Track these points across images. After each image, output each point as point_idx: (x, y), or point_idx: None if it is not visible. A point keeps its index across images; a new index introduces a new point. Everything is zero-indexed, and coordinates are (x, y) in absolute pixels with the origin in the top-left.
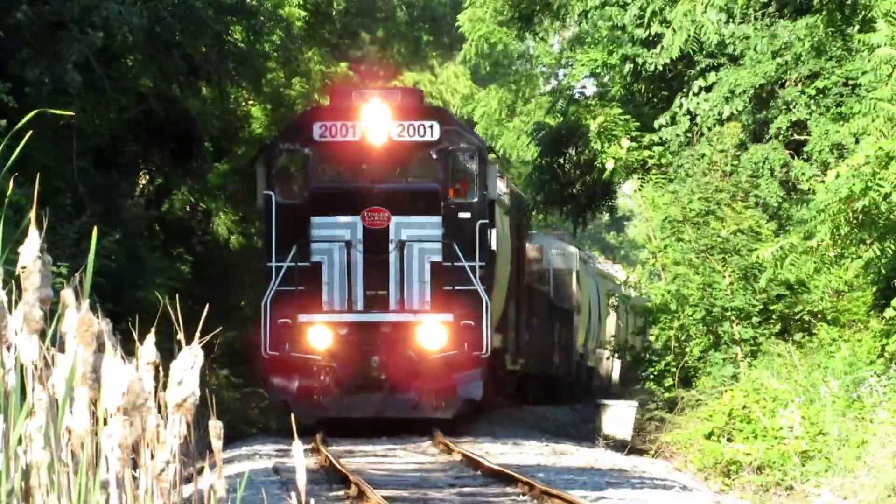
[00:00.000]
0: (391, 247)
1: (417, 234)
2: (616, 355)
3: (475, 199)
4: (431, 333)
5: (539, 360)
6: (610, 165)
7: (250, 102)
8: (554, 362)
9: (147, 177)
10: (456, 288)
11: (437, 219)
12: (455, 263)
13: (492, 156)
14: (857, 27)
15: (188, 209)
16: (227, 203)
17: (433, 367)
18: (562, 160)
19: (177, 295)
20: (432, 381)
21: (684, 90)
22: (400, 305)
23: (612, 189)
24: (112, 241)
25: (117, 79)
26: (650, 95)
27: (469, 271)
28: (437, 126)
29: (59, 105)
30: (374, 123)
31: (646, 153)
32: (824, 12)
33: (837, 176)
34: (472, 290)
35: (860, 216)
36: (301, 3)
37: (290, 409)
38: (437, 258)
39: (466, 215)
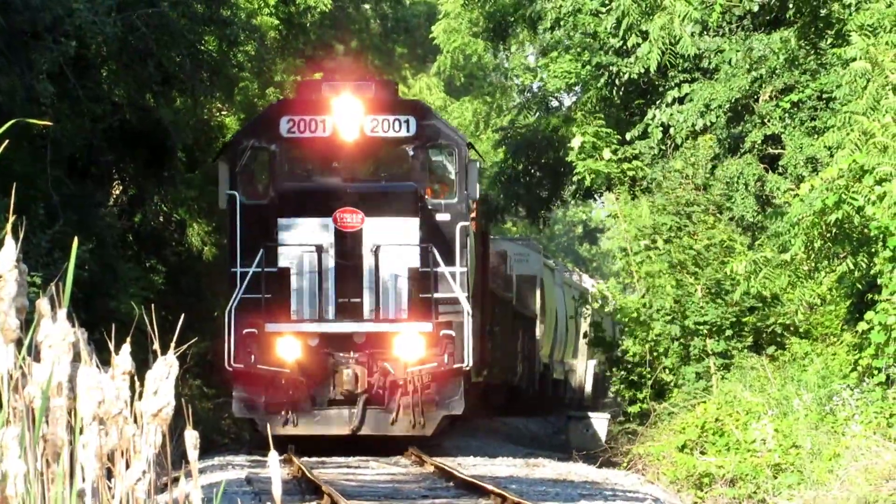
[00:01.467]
0: (365, 251)
1: (393, 238)
2: (589, 359)
3: (455, 200)
4: (409, 344)
5: (501, 370)
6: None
7: (223, 112)
8: (517, 372)
9: (121, 187)
10: (435, 295)
11: (415, 221)
12: (434, 269)
13: (473, 153)
14: (830, 41)
15: (161, 220)
16: (201, 214)
17: (411, 380)
18: (532, 169)
19: (151, 305)
20: (410, 396)
21: (657, 102)
22: (375, 314)
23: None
24: (85, 250)
25: (91, 88)
26: (624, 105)
27: (449, 277)
28: (413, 121)
29: (32, 114)
30: (347, 118)
31: (625, 165)
32: (798, 26)
33: (811, 189)
34: (452, 298)
35: (834, 229)
36: (275, 13)
37: (257, 427)
38: (415, 263)
39: (446, 217)
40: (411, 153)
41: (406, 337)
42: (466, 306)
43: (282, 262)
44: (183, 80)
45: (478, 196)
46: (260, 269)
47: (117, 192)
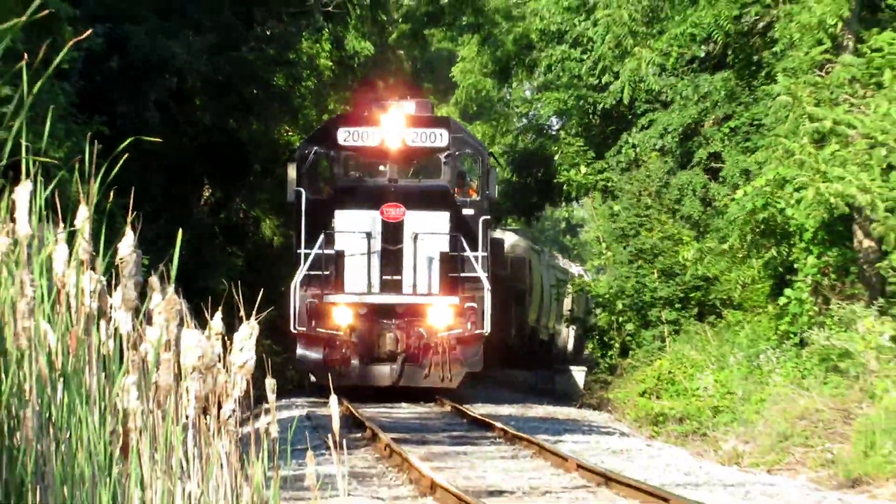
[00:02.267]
0: (406, 238)
1: (428, 227)
2: (570, 326)
3: (478, 198)
4: (440, 314)
5: (498, 331)
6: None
7: (289, 133)
8: (511, 334)
9: (210, 191)
10: (461, 275)
11: (446, 214)
12: (461, 254)
13: (492, 160)
14: (761, 80)
15: (241, 216)
16: (272, 212)
17: (441, 343)
18: (528, 179)
19: (234, 283)
20: (440, 356)
21: (630, 129)
22: (412, 289)
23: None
24: (183, 240)
25: (187, 114)
26: (601, 130)
27: (473, 260)
28: (445, 133)
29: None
30: (391, 130)
31: (600, 176)
32: (736, 68)
33: (745, 194)
34: (475, 277)
35: (762, 226)
36: (329, 56)
37: (315, 379)
38: (446, 248)
39: (470, 212)
40: (443, 160)
41: (437, 308)
42: (486, 284)
43: (338, 246)
44: (258, 108)
45: (496, 195)
46: (320, 251)
47: (207, 194)
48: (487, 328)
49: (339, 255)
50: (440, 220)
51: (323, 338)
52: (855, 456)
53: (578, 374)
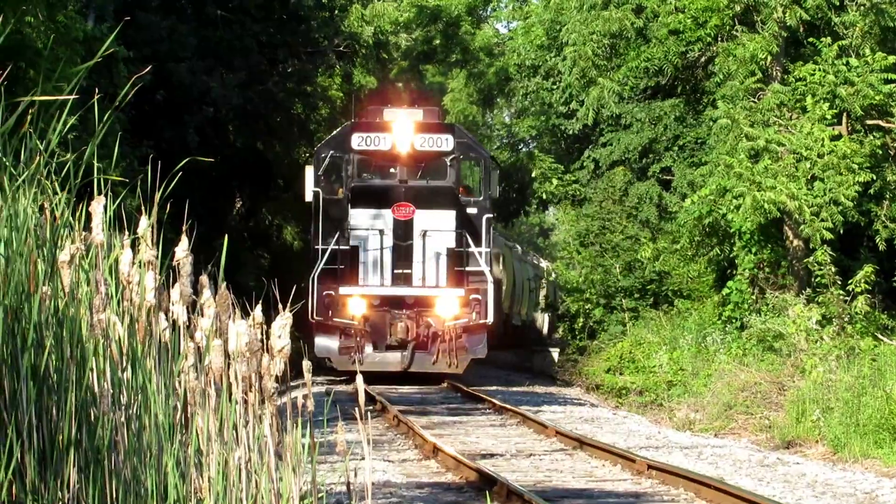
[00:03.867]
0: (415, 235)
1: (436, 225)
2: (545, 312)
3: (481, 198)
4: (447, 304)
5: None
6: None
7: (307, 154)
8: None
9: (240, 202)
10: (466, 269)
11: (452, 212)
12: (466, 249)
13: (494, 164)
14: (705, 105)
15: (267, 223)
16: (292, 219)
17: (448, 331)
18: (507, 190)
19: (263, 280)
20: (447, 343)
21: (591, 146)
22: (422, 282)
23: (534, 203)
24: (219, 243)
25: (222, 138)
26: (568, 148)
27: (477, 255)
28: (451, 139)
29: (183, 155)
30: (402, 135)
31: (569, 188)
32: (683, 96)
33: (692, 202)
34: (479, 271)
35: (707, 229)
36: (340, 88)
37: (331, 365)
38: (452, 244)
39: (474, 210)
40: (449, 163)
41: (445, 299)
42: (490, 277)
43: (352, 242)
44: (280, 133)
45: (497, 195)
46: (336, 247)
47: (238, 205)
48: (491, 318)
49: (354, 251)
50: (447, 219)
51: (339, 327)
52: (788, 422)
53: (552, 353)
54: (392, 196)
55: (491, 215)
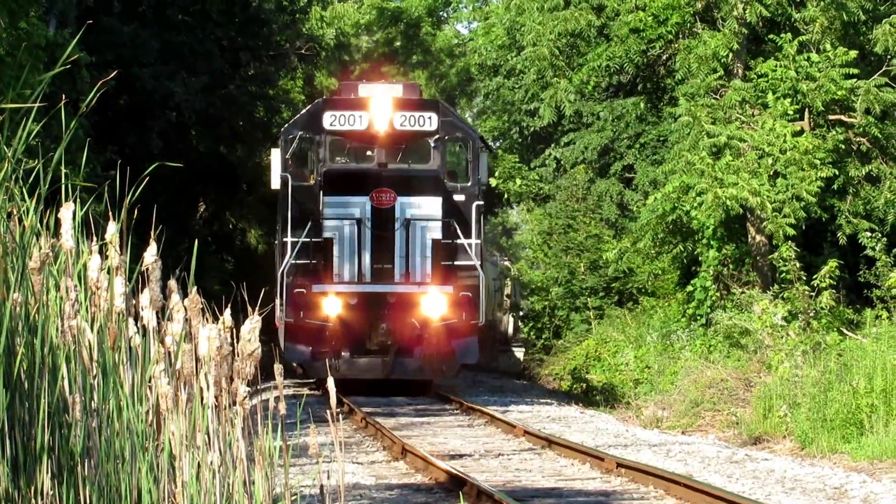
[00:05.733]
0: (397, 224)
1: (420, 214)
2: (510, 312)
3: (469, 183)
4: (433, 303)
5: None
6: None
7: (269, 156)
8: None
9: (203, 206)
10: (455, 263)
11: (438, 199)
12: (454, 241)
13: (483, 145)
14: (666, 103)
15: (231, 227)
16: (256, 223)
17: (435, 333)
18: None
19: (230, 283)
20: (434, 347)
21: (552, 144)
22: (405, 278)
23: (502, 202)
24: (184, 248)
25: (185, 142)
26: (531, 146)
27: (467, 247)
28: (435, 117)
29: (147, 160)
30: (379, 113)
31: (532, 186)
32: (644, 94)
33: (655, 200)
34: (470, 265)
35: (670, 226)
36: (302, 91)
37: (304, 371)
38: (438, 235)
39: (462, 197)
40: (433, 144)
41: (431, 297)
42: (481, 273)
43: (326, 234)
44: (243, 137)
45: (486, 180)
46: (308, 239)
47: (202, 209)
48: (483, 318)
49: (328, 243)
50: (432, 206)
51: (311, 329)
52: (755, 418)
53: (518, 353)
54: (370, 181)
55: (481, 203)
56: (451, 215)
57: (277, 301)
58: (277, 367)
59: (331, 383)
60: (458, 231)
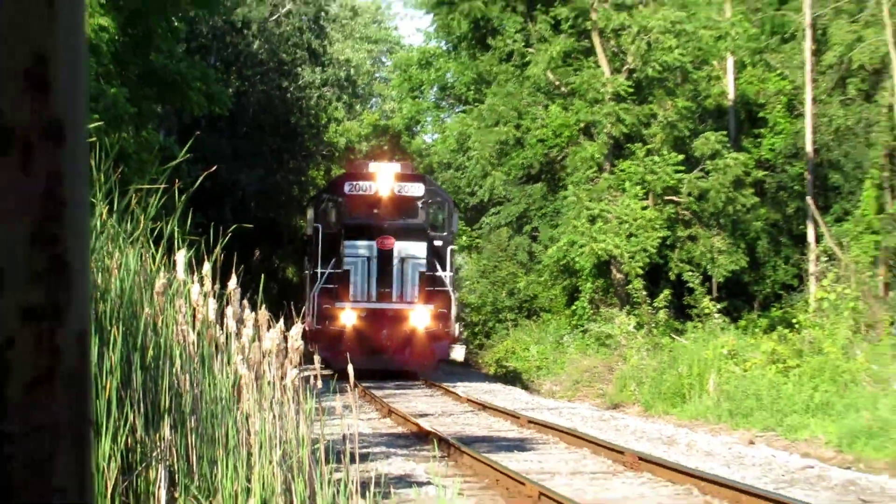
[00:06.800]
0: (395, 261)
1: (411, 254)
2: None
3: (445, 233)
4: (420, 317)
5: None
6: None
7: (301, 221)
8: None
9: (259, 251)
10: (435, 289)
11: (424, 244)
12: (435, 273)
13: (455, 206)
14: (560, 187)
15: (276, 265)
16: (291, 263)
17: (420, 338)
18: None
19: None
20: (420, 348)
21: (486, 214)
22: (400, 299)
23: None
24: (248, 279)
25: (247, 211)
26: (471, 216)
27: (443, 278)
28: (422, 186)
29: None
30: (384, 183)
31: (473, 242)
32: (545, 181)
33: (552, 250)
34: (445, 290)
35: (561, 267)
36: (324, 178)
37: (327, 363)
38: (423, 269)
39: (440, 243)
40: (420, 205)
41: (418, 313)
42: (453, 296)
43: (345, 266)
44: (285, 208)
45: (456, 230)
46: (333, 271)
47: (258, 253)
48: (454, 328)
49: (346, 273)
50: (420, 249)
51: (334, 333)
52: (615, 391)
53: (461, 348)
54: (376, 231)
55: (454, 247)
56: (432, 255)
57: (308, 314)
58: (316, 358)
59: (350, 369)
60: (437, 266)
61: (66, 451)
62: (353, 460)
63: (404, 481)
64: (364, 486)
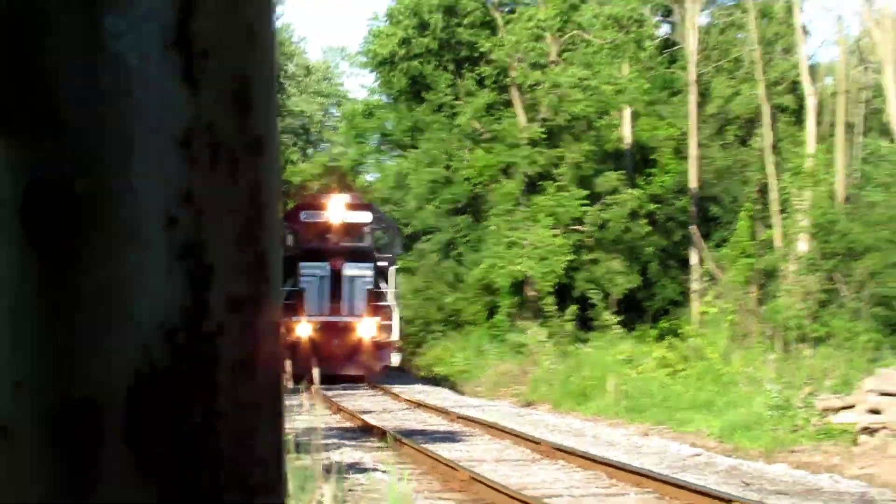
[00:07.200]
0: (345, 280)
1: (359, 273)
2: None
3: (389, 255)
4: (366, 328)
5: None
6: None
7: None
8: None
9: None
10: (380, 303)
11: (371, 265)
12: (380, 290)
13: (399, 232)
14: (483, 218)
15: None
16: None
17: (367, 346)
18: None
19: None
20: (367, 355)
21: (419, 241)
22: (349, 312)
23: None
24: None
25: None
26: (407, 242)
27: (387, 294)
28: (370, 214)
29: None
30: (335, 212)
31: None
32: (472, 213)
33: (475, 271)
34: (388, 305)
35: (484, 286)
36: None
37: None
38: (370, 286)
39: (385, 264)
40: (367, 230)
41: (365, 324)
42: (396, 310)
43: (302, 285)
44: None
45: (399, 253)
46: (291, 288)
47: None
48: (396, 338)
49: (302, 291)
50: (367, 269)
51: (291, 344)
52: (529, 392)
53: (398, 356)
54: (328, 253)
55: (396, 267)
56: (378, 274)
57: None
58: (287, 363)
59: (316, 373)
60: (382, 284)
61: (265, 428)
62: (317, 450)
63: (355, 468)
64: (326, 471)
